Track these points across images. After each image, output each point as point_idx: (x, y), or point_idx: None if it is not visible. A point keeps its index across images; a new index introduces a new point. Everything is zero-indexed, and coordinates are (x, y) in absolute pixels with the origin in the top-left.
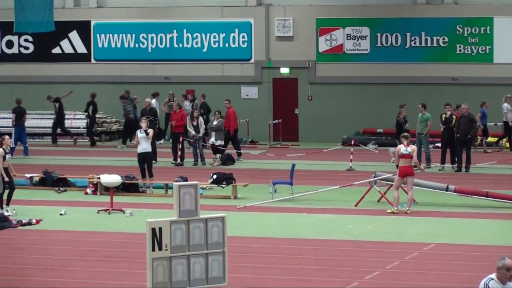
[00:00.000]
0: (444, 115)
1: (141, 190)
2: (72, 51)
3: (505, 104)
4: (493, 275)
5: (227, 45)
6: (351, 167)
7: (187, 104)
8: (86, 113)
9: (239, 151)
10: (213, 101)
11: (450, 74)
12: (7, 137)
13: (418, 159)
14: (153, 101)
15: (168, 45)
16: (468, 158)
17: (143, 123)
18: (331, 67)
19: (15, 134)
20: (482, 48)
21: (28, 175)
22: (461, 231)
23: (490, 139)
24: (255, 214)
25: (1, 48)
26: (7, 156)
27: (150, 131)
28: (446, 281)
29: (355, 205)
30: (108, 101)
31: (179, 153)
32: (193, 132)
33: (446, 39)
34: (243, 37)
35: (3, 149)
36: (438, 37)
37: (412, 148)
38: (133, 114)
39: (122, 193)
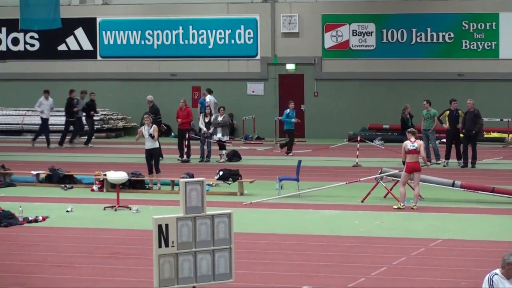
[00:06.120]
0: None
1: (147, 187)
2: (78, 48)
3: None
4: (497, 270)
5: (233, 41)
6: (357, 163)
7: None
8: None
9: None
10: (219, 98)
11: (456, 70)
12: None
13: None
14: (208, 97)
15: (174, 42)
16: (474, 153)
17: (147, 120)
18: (337, 63)
19: None
20: (488, 43)
21: (34, 172)
22: (468, 227)
23: (496, 134)
24: (262, 210)
25: (7, 45)
26: None
27: (155, 131)
28: (452, 277)
29: (362, 201)
30: (114, 98)
31: (185, 149)
32: (204, 129)
33: (452, 35)
34: (249, 33)
35: None
36: (444, 33)
37: (419, 143)
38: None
39: (129, 190)
